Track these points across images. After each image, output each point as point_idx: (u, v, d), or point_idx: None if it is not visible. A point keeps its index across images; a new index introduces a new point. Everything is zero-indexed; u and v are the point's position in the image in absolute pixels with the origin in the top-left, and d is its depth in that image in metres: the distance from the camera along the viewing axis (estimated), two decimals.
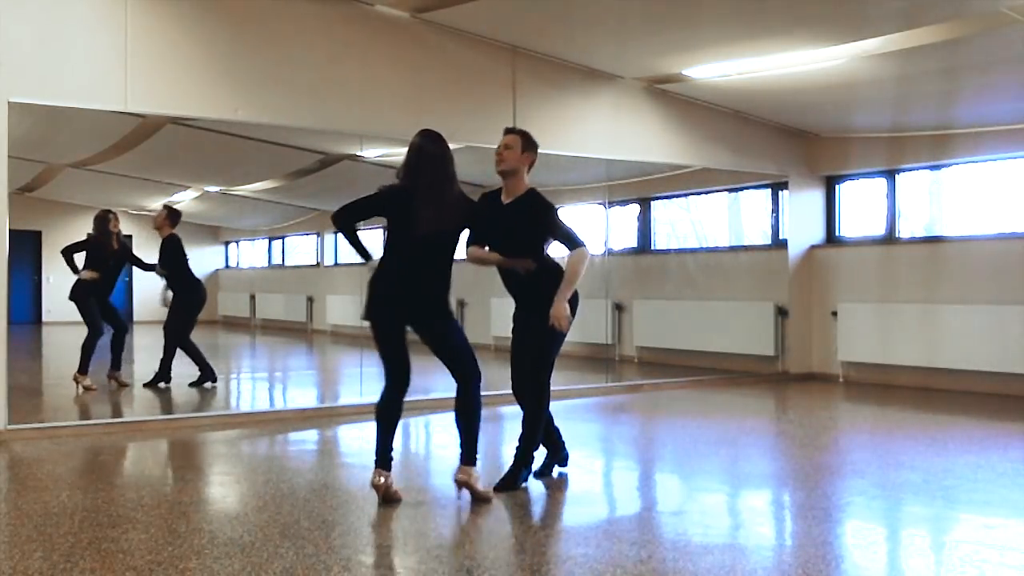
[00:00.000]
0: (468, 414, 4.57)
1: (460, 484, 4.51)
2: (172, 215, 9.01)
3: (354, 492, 4.77)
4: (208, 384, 8.77)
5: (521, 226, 4.81)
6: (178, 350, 8.77)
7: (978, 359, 8.51)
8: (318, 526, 4.03)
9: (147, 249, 9.84)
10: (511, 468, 4.86)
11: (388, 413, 4.53)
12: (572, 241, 4.82)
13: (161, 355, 8.79)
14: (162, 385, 8.74)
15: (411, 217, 4.44)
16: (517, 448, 4.90)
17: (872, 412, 8.10)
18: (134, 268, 9.50)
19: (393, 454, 4.48)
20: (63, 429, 6.45)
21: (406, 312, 4.49)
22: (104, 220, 8.73)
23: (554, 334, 4.79)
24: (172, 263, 8.86)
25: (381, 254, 4.58)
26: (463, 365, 4.57)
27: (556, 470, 5.16)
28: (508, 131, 4.99)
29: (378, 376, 4.58)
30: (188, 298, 8.88)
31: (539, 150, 5.01)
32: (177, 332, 8.75)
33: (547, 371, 4.92)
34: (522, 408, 5.03)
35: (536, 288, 4.80)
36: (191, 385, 8.73)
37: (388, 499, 4.43)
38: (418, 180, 4.49)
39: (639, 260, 11.90)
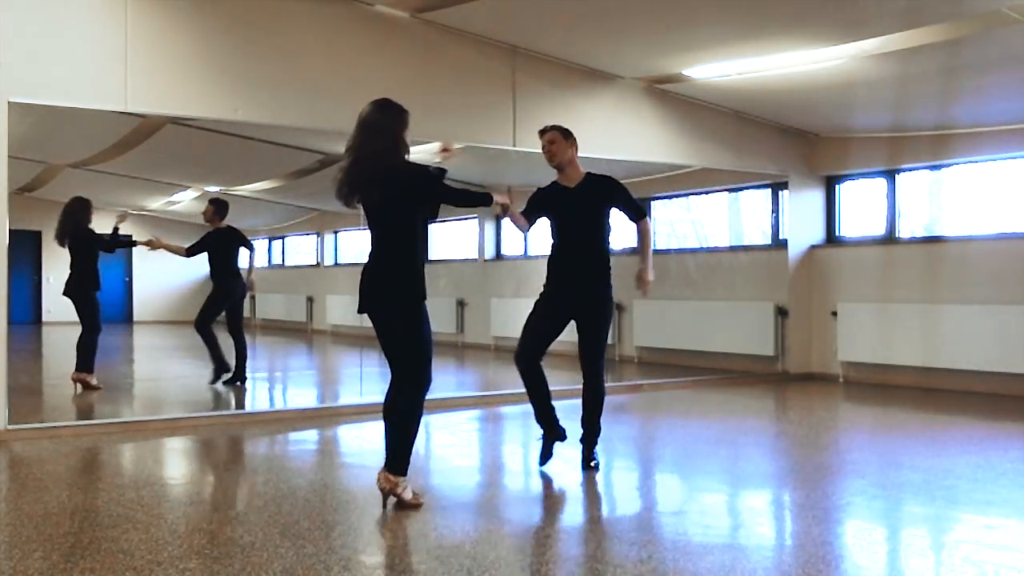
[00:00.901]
0: (405, 419, 4.32)
1: (385, 492, 4.26)
2: (220, 208, 8.95)
3: (354, 492, 4.77)
4: (220, 382, 8.78)
5: (593, 206, 5.20)
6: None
7: (978, 359, 8.50)
8: (318, 526, 4.03)
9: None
10: (585, 447, 5.27)
11: (392, 411, 4.40)
12: (640, 211, 5.36)
13: (234, 353, 8.82)
14: (238, 383, 8.80)
15: (363, 196, 4.30)
16: (585, 428, 5.26)
17: (872, 412, 8.10)
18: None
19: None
20: (63, 429, 6.44)
21: (380, 302, 4.32)
22: (88, 210, 8.56)
23: (610, 319, 5.30)
24: (218, 253, 8.84)
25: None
26: (412, 368, 4.31)
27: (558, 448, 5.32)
28: (543, 131, 5.25)
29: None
30: (226, 288, 8.86)
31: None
32: (206, 321, 8.78)
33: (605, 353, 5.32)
34: (525, 374, 5.19)
35: (601, 271, 5.19)
36: (211, 383, 8.75)
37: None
38: (357, 153, 4.29)
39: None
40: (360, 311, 4.42)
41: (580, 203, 5.20)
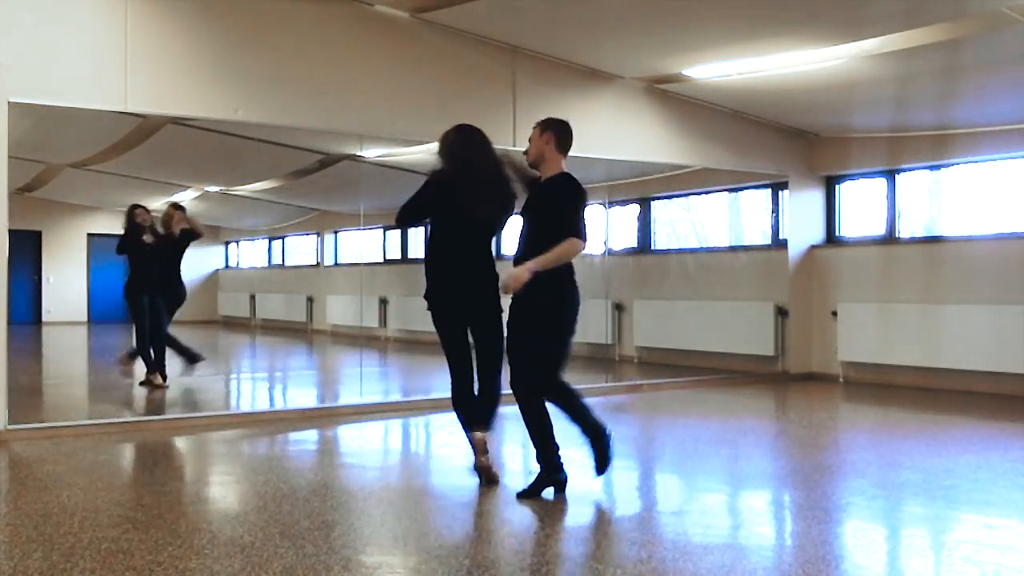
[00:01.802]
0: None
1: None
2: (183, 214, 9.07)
3: (354, 492, 4.77)
4: (199, 363, 8.87)
5: (545, 206, 4.69)
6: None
7: (978, 359, 8.50)
8: (318, 526, 4.03)
9: None
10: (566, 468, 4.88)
11: (466, 404, 4.84)
12: (569, 229, 4.53)
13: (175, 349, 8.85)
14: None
15: (462, 205, 4.70)
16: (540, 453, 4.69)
17: (872, 412, 8.10)
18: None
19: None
20: (63, 429, 6.44)
21: (468, 308, 4.76)
22: (129, 215, 8.77)
23: (548, 325, 4.53)
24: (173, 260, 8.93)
25: (436, 246, 4.82)
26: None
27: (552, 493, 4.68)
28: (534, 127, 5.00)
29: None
30: (172, 294, 8.92)
31: None
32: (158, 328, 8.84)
33: (546, 368, 4.55)
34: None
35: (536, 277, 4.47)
36: (182, 375, 8.82)
37: (490, 480, 4.81)
38: (466, 167, 4.80)
39: (639, 260, 11.91)
40: (444, 315, 4.82)
41: (536, 203, 4.76)
